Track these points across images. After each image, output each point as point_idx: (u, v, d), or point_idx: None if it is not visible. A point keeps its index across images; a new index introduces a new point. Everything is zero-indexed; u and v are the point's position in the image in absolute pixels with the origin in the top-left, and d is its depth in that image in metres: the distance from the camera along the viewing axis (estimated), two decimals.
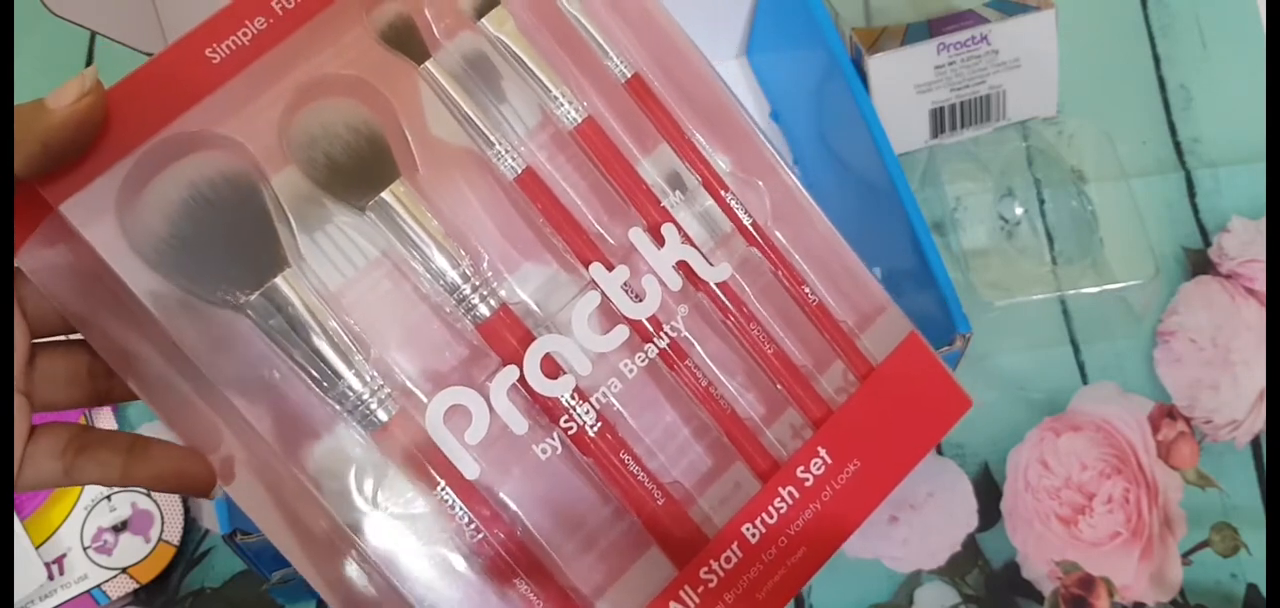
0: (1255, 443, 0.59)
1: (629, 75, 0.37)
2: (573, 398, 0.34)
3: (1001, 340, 0.60)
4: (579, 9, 0.37)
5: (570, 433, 0.34)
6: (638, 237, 0.35)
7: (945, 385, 0.37)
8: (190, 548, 0.58)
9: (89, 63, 0.66)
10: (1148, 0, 0.65)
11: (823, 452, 0.35)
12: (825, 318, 0.37)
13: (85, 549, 0.56)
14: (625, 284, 0.35)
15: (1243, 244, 0.61)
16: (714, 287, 0.36)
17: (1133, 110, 0.64)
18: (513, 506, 0.34)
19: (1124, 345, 0.60)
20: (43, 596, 0.55)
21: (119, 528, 0.56)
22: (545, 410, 0.34)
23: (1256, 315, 0.60)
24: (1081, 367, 0.60)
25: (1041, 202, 0.63)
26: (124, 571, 0.56)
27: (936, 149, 0.63)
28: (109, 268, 0.31)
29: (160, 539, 0.56)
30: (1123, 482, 0.58)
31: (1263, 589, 0.56)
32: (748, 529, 0.34)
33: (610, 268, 0.35)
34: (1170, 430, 0.59)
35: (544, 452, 0.34)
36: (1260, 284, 0.60)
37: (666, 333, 0.35)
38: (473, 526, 0.33)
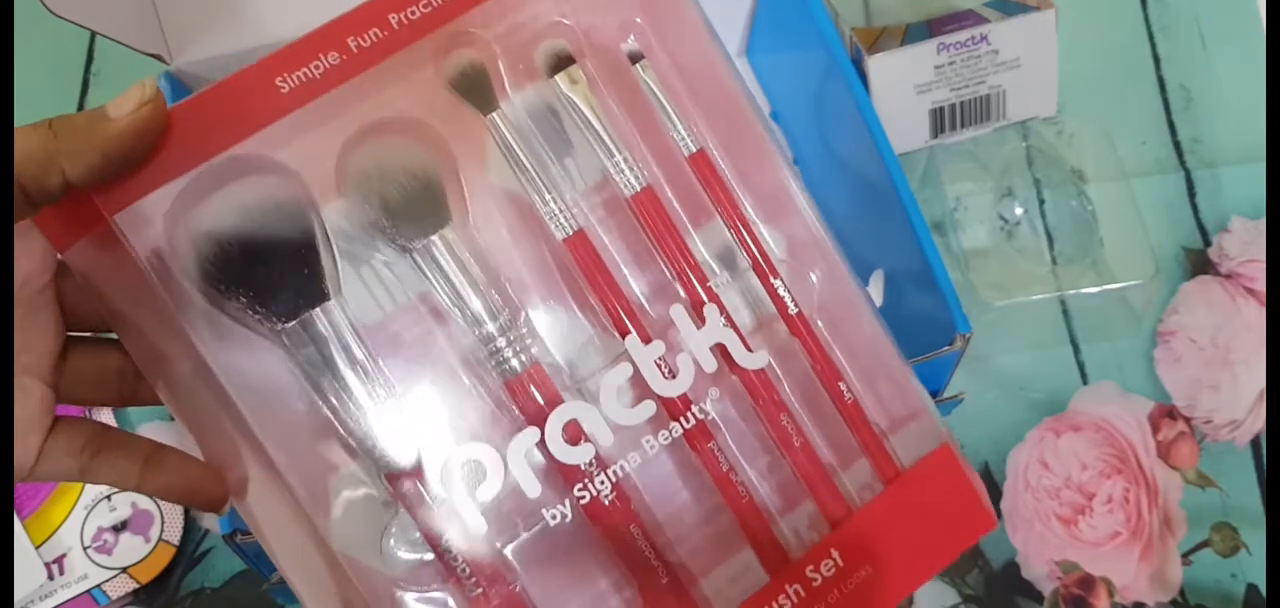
0: (1255, 443, 0.59)
1: (694, 150, 0.37)
2: (590, 466, 0.34)
3: (1001, 340, 0.60)
4: (653, 78, 0.37)
5: (583, 502, 0.34)
6: (678, 314, 0.35)
7: (970, 500, 0.37)
8: (190, 548, 0.58)
9: (88, 63, 0.66)
10: (1148, 0, 0.65)
11: (835, 554, 0.35)
12: (857, 417, 0.37)
13: (85, 549, 0.56)
14: (660, 359, 0.35)
15: (1243, 244, 0.61)
16: (749, 373, 0.36)
17: (1133, 110, 0.64)
18: (516, 564, 0.34)
19: (1124, 345, 0.60)
20: (43, 596, 0.55)
21: (119, 528, 0.56)
22: (562, 476, 0.34)
23: (1256, 315, 0.60)
24: (1081, 367, 0.60)
25: (1041, 202, 0.63)
26: (124, 571, 0.56)
27: (936, 149, 0.63)
28: (152, 278, 0.31)
29: (160, 539, 0.56)
30: (1123, 482, 0.58)
31: (1263, 589, 0.56)
32: None
33: (647, 341, 0.35)
34: (1170, 430, 0.59)
35: (554, 518, 0.34)
36: (1260, 284, 0.60)
37: (694, 414, 0.35)
38: (473, 579, 0.33)
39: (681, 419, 0.35)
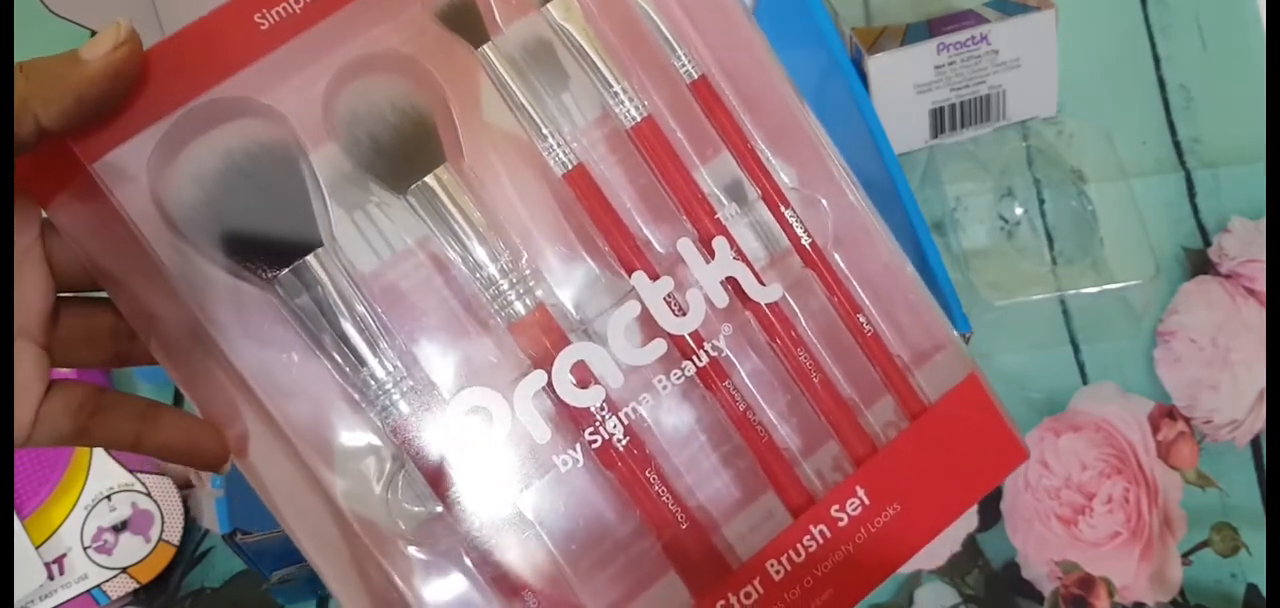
0: (1255, 443, 0.59)
1: (696, 76, 0.35)
2: (601, 409, 0.32)
3: (1001, 340, 0.60)
4: (650, 3, 0.35)
5: (594, 446, 0.32)
6: (686, 247, 0.34)
7: (1001, 433, 0.35)
8: (190, 548, 0.58)
9: None
10: (1147, 0, 0.65)
11: (861, 492, 0.33)
12: (879, 350, 0.36)
13: (85, 549, 0.56)
14: (668, 296, 0.33)
15: (1243, 244, 0.61)
16: (763, 307, 0.34)
17: (1133, 110, 0.64)
18: (527, 514, 0.33)
19: (1124, 345, 0.60)
20: (43, 596, 0.55)
21: (119, 528, 0.56)
22: (571, 420, 0.33)
23: (1256, 315, 0.60)
24: (1081, 367, 0.60)
25: (1041, 202, 0.63)
26: (124, 570, 0.56)
27: (936, 149, 0.63)
28: (137, 230, 0.30)
29: (160, 539, 0.56)
30: (1123, 482, 0.58)
31: (1263, 589, 0.56)
32: (773, 565, 0.33)
33: (654, 277, 0.33)
34: (1170, 430, 0.59)
35: (564, 464, 0.32)
36: (1260, 284, 0.60)
37: (707, 351, 0.34)
38: (484, 532, 0.32)
39: (694, 357, 0.33)
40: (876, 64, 0.60)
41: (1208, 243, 0.62)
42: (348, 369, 0.31)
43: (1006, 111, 0.62)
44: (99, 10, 0.49)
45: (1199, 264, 0.61)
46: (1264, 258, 0.61)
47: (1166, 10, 0.65)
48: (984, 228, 0.62)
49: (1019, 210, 0.63)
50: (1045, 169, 0.63)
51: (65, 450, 0.57)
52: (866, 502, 0.33)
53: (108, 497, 0.56)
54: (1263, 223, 0.61)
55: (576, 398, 0.32)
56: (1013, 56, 0.60)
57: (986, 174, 0.63)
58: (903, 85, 0.60)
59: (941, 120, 0.61)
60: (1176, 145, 0.64)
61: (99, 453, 0.56)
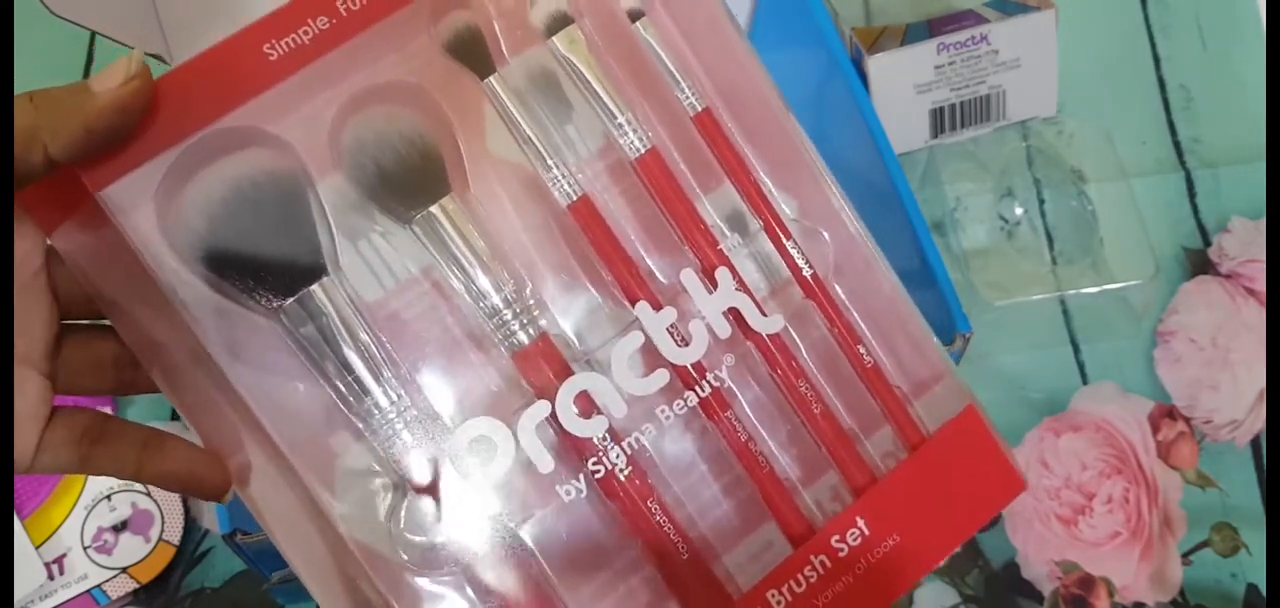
0: (1255, 443, 0.59)
1: (700, 109, 0.36)
2: (604, 439, 0.33)
3: (1001, 340, 0.60)
4: (655, 36, 0.36)
5: (597, 476, 0.33)
6: (689, 279, 0.34)
7: (999, 464, 0.35)
8: (190, 548, 0.58)
9: (88, 63, 0.66)
10: (1148, 0, 0.65)
11: (861, 522, 0.34)
12: (878, 381, 0.36)
13: (85, 549, 0.56)
14: (671, 327, 0.34)
15: (1243, 244, 0.61)
16: (765, 338, 0.35)
17: (1133, 110, 0.64)
18: (530, 543, 0.33)
19: (1124, 345, 0.60)
20: (43, 596, 0.55)
21: (119, 528, 0.56)
22: (574, 450, 0.33)
23: (1256, 315, 0.60)
24: (1081, 367, 0.60)
25: (1041, 202, 0.63)
26: (124, 571, 0.56)
27: (936, 149, 0.63)
28: (142, 258, 0.30)
29: (160, 539, 0.56)
30: (1123, 482, 0.58)
31: (1263, 589, 0.56)
32: (773, 595, 0.33)
33: (658, 308, 0.34)
34: (1170, 430, 0.59)
35: (568, 493, 0.33)
36: (1260, 284, 0.60)
37: (709, 381, 0.34)
38: (486, 561, 0.32)
39: (696, 388, 0.34)
40: (876, 64, 0.60)
41: (1208, 243, 0.62)
42: (351, 398, 0.31)
43: (1006, 111, 0.62)
44: (99, 11, 0.49)
45: (1199, 264, 0.61)
46: (1264, 258, 0.61)
47: (1166, 10, 0.65)
48: (984, 228, 0.62)
49: (1019, 210, 0.63)
50: (1045, 169, 0.63)
51: None
52: (866, 532, 0.34)
53: (108, 497, 0.56)
54: (1263, 223, 0.61)
55: (580, 428, 0.32)
56: (1013, 56, 0.60)
57: (986, 174, 0.63)
58: (903, 85, 0.60)
59: (941, 120, 0.61)
60: (1176, 145, 0.64)
61: None
